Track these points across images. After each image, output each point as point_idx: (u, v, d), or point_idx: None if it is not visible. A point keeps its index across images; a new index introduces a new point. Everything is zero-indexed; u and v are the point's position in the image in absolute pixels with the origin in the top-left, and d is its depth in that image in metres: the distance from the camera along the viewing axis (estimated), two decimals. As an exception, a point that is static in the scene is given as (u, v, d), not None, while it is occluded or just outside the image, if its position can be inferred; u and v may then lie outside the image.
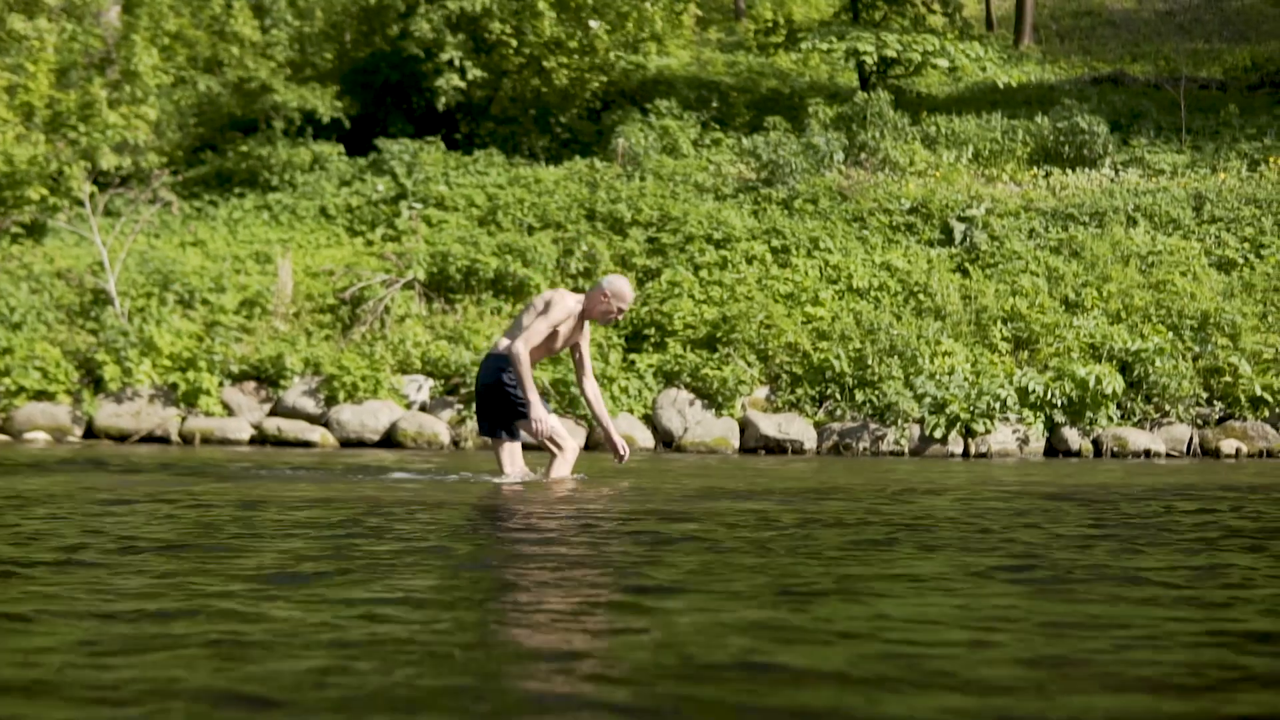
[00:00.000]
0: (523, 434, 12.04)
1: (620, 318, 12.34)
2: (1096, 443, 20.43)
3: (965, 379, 20.90)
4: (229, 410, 21.99)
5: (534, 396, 11.66)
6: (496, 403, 11.80)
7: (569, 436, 12.10)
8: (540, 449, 12.31)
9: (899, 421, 20.45)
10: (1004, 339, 22.14)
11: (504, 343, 11.84)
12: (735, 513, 8.99)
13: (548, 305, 11.76)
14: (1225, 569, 6.04)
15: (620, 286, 12.05)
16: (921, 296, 23.09)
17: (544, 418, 11.66)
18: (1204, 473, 15.65)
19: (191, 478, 12.60)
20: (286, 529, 7.72)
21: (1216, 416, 20.94)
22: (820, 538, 7.30)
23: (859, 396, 21.01)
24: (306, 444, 21.07)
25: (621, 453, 12.16)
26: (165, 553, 6.53)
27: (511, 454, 12.08)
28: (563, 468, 11.95)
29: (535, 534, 7.87)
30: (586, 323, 12.08)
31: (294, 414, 21.78)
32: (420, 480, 12.39)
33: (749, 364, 21.88)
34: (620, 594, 5.34)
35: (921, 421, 20.49)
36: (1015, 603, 5.07)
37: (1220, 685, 3.63)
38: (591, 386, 12.20)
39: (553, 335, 11.86)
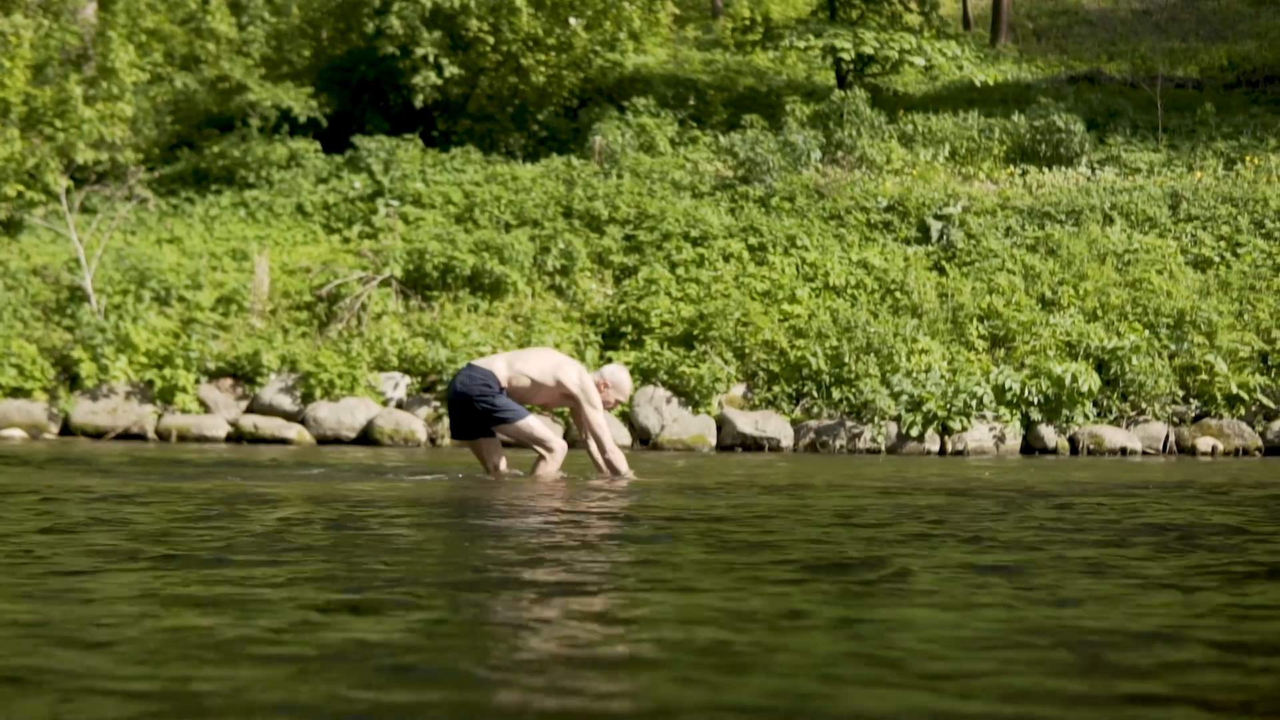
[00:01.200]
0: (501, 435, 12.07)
1: (615, 408, 12.47)
2: (1073, 440, 20.47)
3: (942, 377, 20.94)
4: (205, 407, 21.97)
5: (624, 466, 11.98)
6: (468, 412, 11.79)
7: (556, 438, 12.06)
8: (523, 448, 12.30)
9: (875, 419, 20.48)
10: (980, 337, 22.18)
11: (500, 368, 11.83)
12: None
13: (587, 393, 11.83)
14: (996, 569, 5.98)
15: (620, 379, 12.16)
16: (898, 294, 23.13)
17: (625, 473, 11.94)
18: (1155, 471, 15.67)
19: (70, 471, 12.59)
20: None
21: (1193, 414, 21.00)
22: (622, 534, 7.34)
23: (836, 394, 21.04)
24: (283, 441, 21.06)
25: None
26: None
27: (491, 451, 12.07)
28: (548, 467, 11.91)
29: (508, 531, 7.85)
30: None
31: (270, 411, 21.77)
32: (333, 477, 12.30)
33: (726, 362, 21.90)
34: (570, 590, 5.35)
35: (898, 419, 20.52)
36: (713, 598, 5.10)
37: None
38: (594, 447, 12.19)
39: (548, 393, 11.93)
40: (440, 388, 21.69)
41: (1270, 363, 21.47)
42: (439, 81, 30.22)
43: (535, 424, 11.81)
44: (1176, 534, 7.52)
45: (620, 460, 11.93)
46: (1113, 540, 7.16)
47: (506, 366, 11.83)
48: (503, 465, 12.06)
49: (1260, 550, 6.77)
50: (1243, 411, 20.92)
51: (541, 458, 11.93)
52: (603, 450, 11.86)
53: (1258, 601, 5.07)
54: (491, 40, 30.78)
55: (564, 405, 12.19)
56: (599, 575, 5.72)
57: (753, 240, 24.79)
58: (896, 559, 6.23)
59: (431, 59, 30.10)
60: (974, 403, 20.47)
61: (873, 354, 21.32)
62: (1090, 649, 4.06)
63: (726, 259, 24.38)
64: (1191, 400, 21.16)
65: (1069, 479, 13.18)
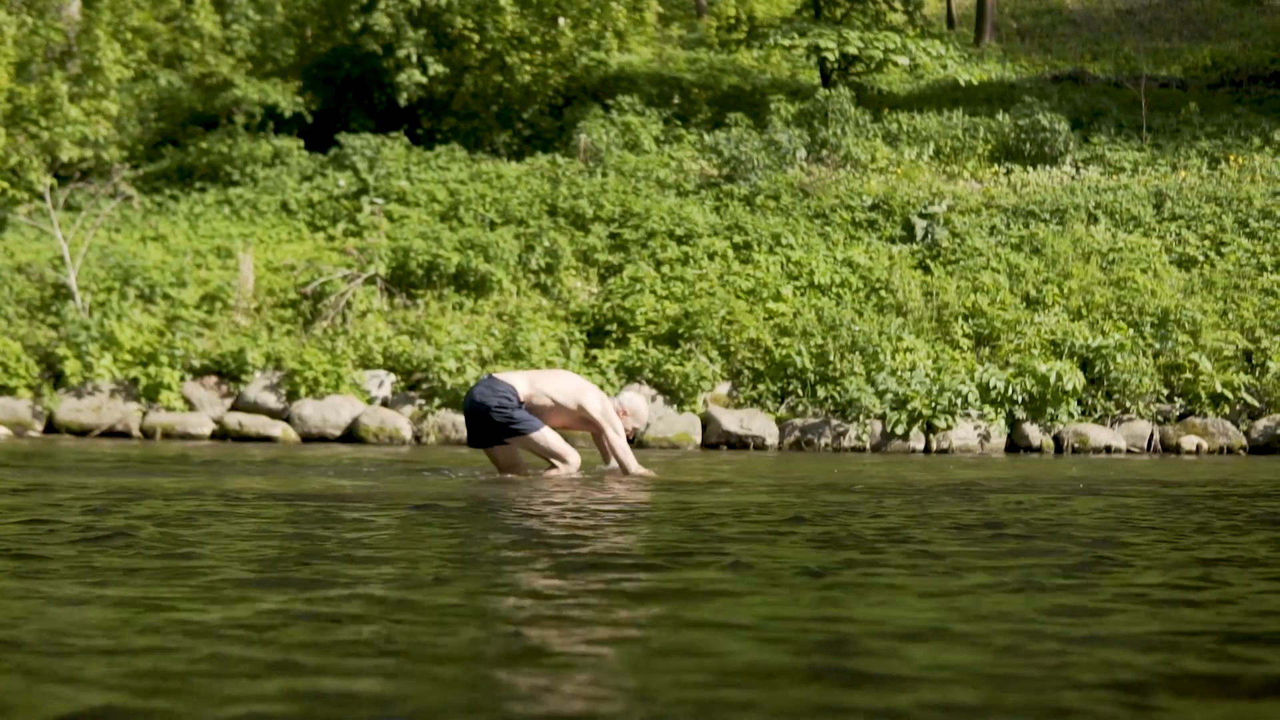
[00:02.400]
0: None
1: (633, 436, 12.49)
2: (1057, 439, 20.49)
3: (927, 375, 20.95)
4: (190, 405, 21.94)
5: (635, 466, 11.98)
6: (485, 423, 11.78)
7: (572, 451, 12.04)
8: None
9: (861, 417, 20.48)
10: (965, 335, 22.20)
11: (521, 384, 11.84)
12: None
13: (609, 419, 11.87)
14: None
15: (638, 406, 12.26)
16: (883, 293, 23.14)
17: (640, 471, 11.99)
18: (1108, 467, 15.70)
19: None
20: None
21: (1177, 413, 21.03)
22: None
23: (821, 393, 21.04)
24: (268, 439, 21.03)
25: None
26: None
27: (509, 456, 12.03)
28: (561, 472, 11.88)
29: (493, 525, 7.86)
30: None
31: (255, 409, 21.74)
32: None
33: (711, 360, 21.90)
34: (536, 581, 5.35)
35: (883, 418, 20.53)
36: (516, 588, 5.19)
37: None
38: (612, 465, 12.25)
39: (568, 415, 11.95)
40: (425, 386, 21.69)
41: (1254, 361, 21.52)
42: (424, 79, 30.22)
43: (550, 436, 11.81)
44: (1000, 533, 7.37)
45: (632, 462, 11.96)
46: (930, 538, 7.08)
47: (528, 384, 11.83)
48: (518, 468, 12.05)
49: (1069, 556, 6.52)
50: (1227, 410, 20.96)
51: (553, 467, 11.93)
52: (626, 475, 11.88)
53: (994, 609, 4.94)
54: (476, 38, 30.79)
55: (582, 429, 12.20)
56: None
57: (738, 239, 24.79)
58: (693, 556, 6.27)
59: (416, 57, 30.10)
60: (959, 401, 20.48)
61: (858, 352, 21.33)
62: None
63: (711, 257, 24.38)
64: (1176, 399, 21.19)
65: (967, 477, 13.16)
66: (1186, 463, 17.79)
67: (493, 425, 11.69)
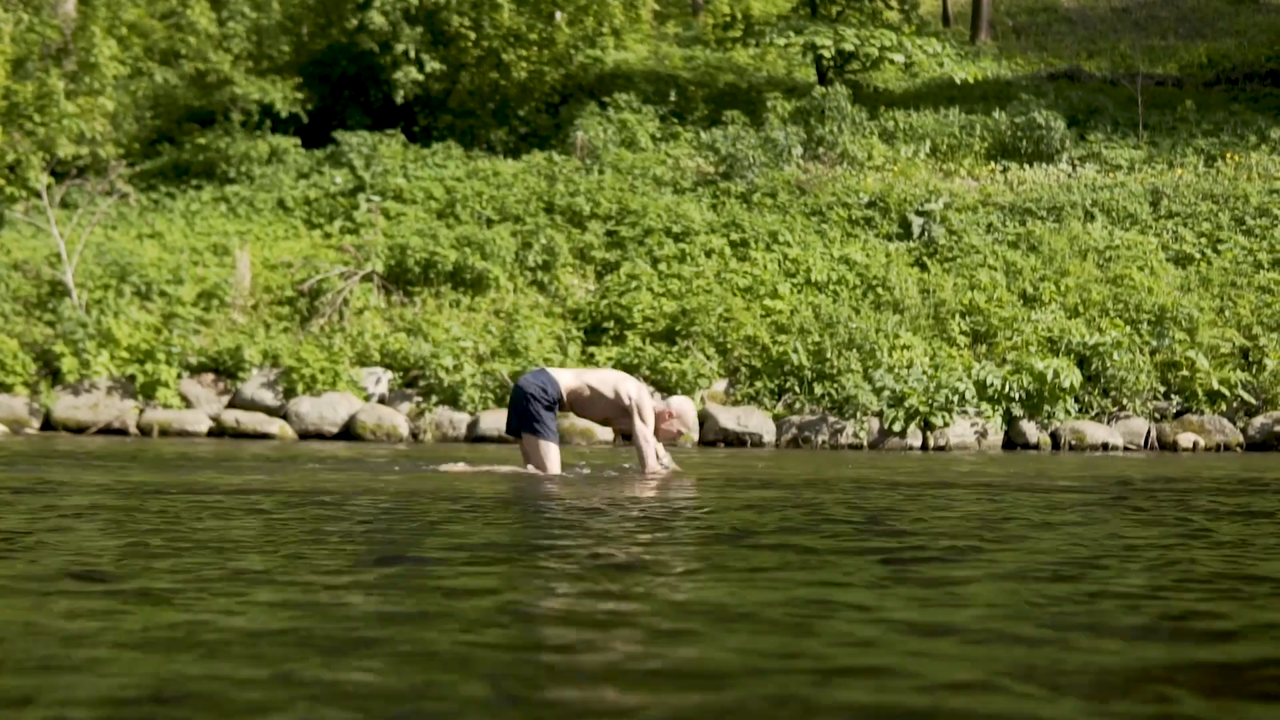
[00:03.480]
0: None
1: (678, 439, 12.54)
2: (1054, 436, 20.50)
3: (923, 372, 20.95)
4: (187, 402, 21.92)
5: (652, 463, 11.97)
6: (518, 408, 11.89)
7: (556, 467, 11.99)
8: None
9: (858, 415, 20.48)
10: (962, 333, 22.20)
11: (566, 378, 11.99)
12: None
13: (640, 407, 11.92)
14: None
15: (686, 410, 12.32)
16: (880, 290, 23.15)
17: (656, 468, 12.01)
18: (1087, 466, 15.67)
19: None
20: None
21: (1174, 410, 21.04)
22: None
23: (818, 390, 21.03)
24: (265, 436, 21.02)
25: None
26: None
27: (534, 451, 12.05)
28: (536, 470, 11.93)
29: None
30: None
31: (252, 406, 21.73)
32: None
33: (708, 357, 21.90)
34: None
35: (880, 415, 20.53)
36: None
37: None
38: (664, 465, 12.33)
39: (606, 404, 12.01)
40: (422, 383, 21.72)
41: (1251, 359, 21.54)
42: (420, 77, 30.24)
43: (554, 452, 11.87)
44: (867, 530, 7.21)
45: (650, 456, 11.97)
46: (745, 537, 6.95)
47: (574, 377, 12.07)
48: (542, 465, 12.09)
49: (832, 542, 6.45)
50: (1224, 407, 20.97)
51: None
52: (643, 465, 11.88)
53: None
54: (473, 36, 30.81)
55: (620, 421, 12.18)
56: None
57: (734, 236, 24.81)
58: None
59: (413, 54, 30.11)
60: (956, 398, 20.48)
61: (855, 350, 21.34)
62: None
63: (708, 255, 24.40)
64: (1173, 396, 21.21)
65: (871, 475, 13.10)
66: (1182, 459, 17.78)
67: (522, 413, 11.82)
